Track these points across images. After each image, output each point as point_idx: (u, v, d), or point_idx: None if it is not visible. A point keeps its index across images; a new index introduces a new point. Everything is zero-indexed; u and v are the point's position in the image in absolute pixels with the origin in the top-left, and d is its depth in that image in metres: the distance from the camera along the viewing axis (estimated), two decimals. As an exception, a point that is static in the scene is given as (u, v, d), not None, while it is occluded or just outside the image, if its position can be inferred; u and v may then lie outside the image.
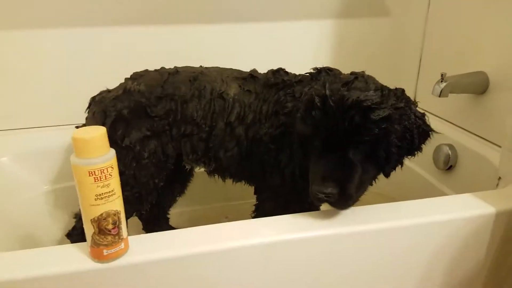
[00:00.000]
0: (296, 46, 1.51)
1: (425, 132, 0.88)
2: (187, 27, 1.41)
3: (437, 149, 1.38)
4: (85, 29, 1.34)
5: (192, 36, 1.42)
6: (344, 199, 0.81)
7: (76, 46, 1.35)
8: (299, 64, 1.07)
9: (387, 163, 0.85)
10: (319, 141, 0.81)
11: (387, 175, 0.90)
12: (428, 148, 1.39)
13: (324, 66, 0.99)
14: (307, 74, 1.01)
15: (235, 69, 1.09)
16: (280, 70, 1.04)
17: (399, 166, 0.91)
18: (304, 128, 0.82)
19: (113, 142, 0.95)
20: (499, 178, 1.09)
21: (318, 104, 0.79)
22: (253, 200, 1.26)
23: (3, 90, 1.35)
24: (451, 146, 1.35)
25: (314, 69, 0.98)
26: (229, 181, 1.14)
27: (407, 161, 1.53)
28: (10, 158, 1.30)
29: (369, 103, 0.77)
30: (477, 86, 1.27)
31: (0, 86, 1.34)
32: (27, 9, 1.27)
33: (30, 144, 1.34)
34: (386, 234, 0.86)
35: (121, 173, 0.97)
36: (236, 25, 1.45)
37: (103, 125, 0.95)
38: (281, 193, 1.02)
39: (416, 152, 0.90)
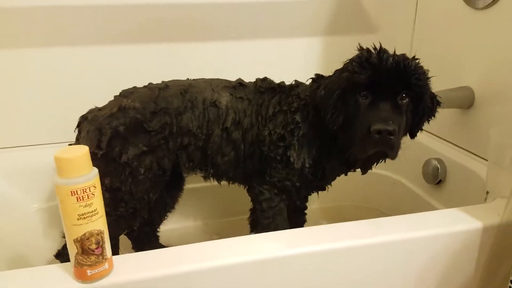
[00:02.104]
0: (285, 63, 1.53)
1: (437, 101, 0.99)
2: (175, 45, 1.43)
3: (426, 164, 1.39)
4: (75, 47, 1.35)
5: (180, 54, 1.44)
6: (397, 140, 0.90)
7: (65, 65, 1.36)
8: (288, 80, 1.10)
9: (418, 121, 0.96)
10: (372, 89, 0.90)
11: (413, 135, 1.00)
12: (417, 162, 1.41)
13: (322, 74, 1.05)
14: (302, 82, 1.08)
15: (223, 79, 1.12)
16: (266, 79, 1.11)
17: (421, 130, 1.01)
18: (359, 77, 0.89)
19: (110, 159, 0.97)
20: (487, 192, 1.09)
21: (375, 55, 0.89)
22: (244, 216, 1.27)
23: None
24: (439, 161, 1.36)
25: (315, 75, 1.04)
26: (221, 198, 1.15)
27: (397, 175, 1.56)
28: (0, 176, 1.29)
29: (416, 61, 0.91)
30: (463, 100, 1.29)
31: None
32: (15, 28, 1.29)
33: (19, 162, 1.34)
34: (376, 249, 0.86)
35: (118, 190, 0.98)
36: (226, 42, 1.47)
37: (99, 143, 0.96)
38: (282, 187, 1.04)
39: (431, 118, 0.99)
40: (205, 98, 1.04)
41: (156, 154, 1.01)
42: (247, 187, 1.15)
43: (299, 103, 1.02)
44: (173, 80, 1.10)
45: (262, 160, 1.05)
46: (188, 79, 1.12)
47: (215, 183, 1.15)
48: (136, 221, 1.06)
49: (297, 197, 1.09)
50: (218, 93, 1.06)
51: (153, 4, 1.35)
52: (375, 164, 1.02)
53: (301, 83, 1.08)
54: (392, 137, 0.86)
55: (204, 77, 1.14)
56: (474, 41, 1.29)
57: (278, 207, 1.06)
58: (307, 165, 1.01)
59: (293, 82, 1.08)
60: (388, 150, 0.90)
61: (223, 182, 1.16)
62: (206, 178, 1.13)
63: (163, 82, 1.09)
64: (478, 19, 1.27)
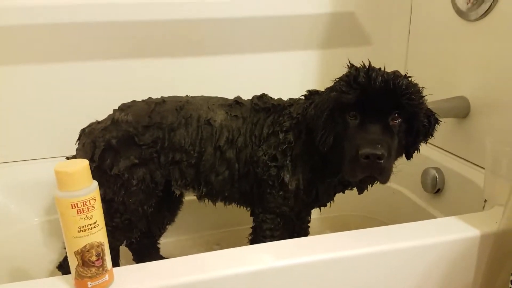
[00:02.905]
0: (283, 77, 1.55)
1: (436, 119, 0.95)
2: (175, 60, 1.45)
3: (425, 173, 1.40)
4: (76, 63, 1.38)
5: (181, 68, 1.46)
6: (388, 164, 0.85)
7: (66, 80, 1.39)
8: (286, 94, 1.11)
9: (414, 141, 0.92)
10: (361, 109, 0.86)
11: (409, 156, 0.96)
12: (416, 172, 1.42)
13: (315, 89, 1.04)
14: (297, 98, 1.06)
15: (220, 97, 1.12)
16: (263, 96, 1.09)
17: (417, 150, 0.97)
18: (347, 97, 0.86)
19: (102, 171, 0.98)
20: (485, 200, 1.10)
21: (363, 74, 0.86)
22: (245, 226, 1.27)
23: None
24: (438, 170, 1.37)
25: (307, 91, 1.03)
26: (220, 208, 1.15)
27: (396, 185, 1.57)
28: (0, 190, 1.31)
29: (407, 79, 0.87)
30: (459, 110, 1.30)
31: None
32: (16, 45, 1.32)
33: (21, 176, 1.36)
34: (374, 258, 0.87)
35: (111, 201, 1.00)
36: (225, 57, 1.49)
37: (92, 155, 0.98)
38: (281, 213, 1.04)
39: (429, 137, 0.96)
40: (200, 115, 1.04)
41: (149, 167, 1.02)
42: (249, 209, 1.13)
43: (290, 122, 1.00)
44: (172, 96, 1.11)
45: (257, 182, 1.03)
46: (187, 95, 1.13)
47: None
48: (132, 233, 1.08)
49: (297, 221, 1.08)
50: (213, 111, 1.05)
51: (152, 21, 1.38)
52: (370, 185, 1.00)
53: (296, 101, 1.06)
54: (381, 161, 0.82)
55: (202, 91, 1.15)
56: (468, 52, 1.31)
57: (281, 236, 1.05)
58: (302, 187, 1.00)
59: (287, 100, 1.07)
60: (378, 175, 0.86)
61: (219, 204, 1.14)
62: (199, 198, 1.12)
63: (161, 97, 1.10)
64: (471, 30, 1.29)
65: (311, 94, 1.02)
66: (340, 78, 0.91)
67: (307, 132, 0.96)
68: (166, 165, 1.03)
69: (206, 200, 1.13)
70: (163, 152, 1.02)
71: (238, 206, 1.15)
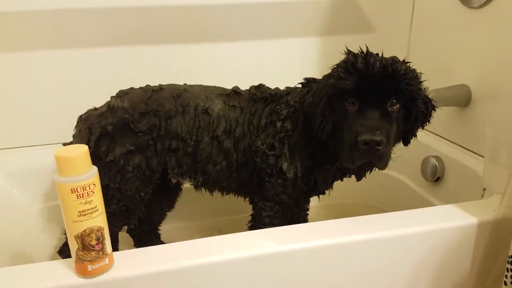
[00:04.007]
0: (282, 64, 1.54)
1: (432, 105, 0.95)
2: (174, 47, 1.45)
3: (425, 161, 1.40)
4: (76, 50, 1.38)
5: (179, 55, 1.46)
6: (387, 150, 0.86)
7: (67, 67, 1.39)
8: (285, 81, 1.11)
9: (411, 128, 0.93)
10: (359, 95, 0.86)
11: (406, 142, 0.96)
12: (416, 160, 1.42)
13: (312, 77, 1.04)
14: (294, 86, 1.06)
15: (218, 87, 1.12)
16: (261, 86, 1.09)
17: (415, 137, 0.97)
18: (345, 84, 0.86)
19: (97, 158, 0.98)
20: (484, 189, 1.10)
21: (361, 59, 0.85)
22: (246, 213, 1.28)
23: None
24: (438, 158, 1.37)
25: (304, 79, 1.03)
26: (222, 196, 1.15)
27: (396, 173, 1.57)
28: (2, 177, 1.32)
29: (406, 64, 0.87)
30: (460, 98, 1.30)
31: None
32: (17, 31, 1.31)
33: (22, 162, 1.36)
34: (371, 245, 0.88)
35: (107, 187, 1.00)
36: (224, 44, 1.48)
37: (88, 141, 0.99)
38: (280, 201, 1.04)
39: (426, 123, 0.96)
40: (197, 104, 1.04)
41: (145, 154, 1.02)
42: (248, 199, 1.14)
43: (288, 110, 1.00)
44: (169, 84, 1.11)
45: (257, 172, 1.04)
46: (185, 84, 1.13)
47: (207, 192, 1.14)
48: (130, 219, 1.08)
49: (296, 209, 1.09)
50: (211, 100, 1.05)
51: (151, 6, 1.37)
52: (368, 172, 1.00)
53: (294, 89, 1.06)
54: (379, 147, 0.82)
55: (201, 79, 1.15)
56: (471, 40, 1.30)
57: (280, 223, 1.06)
58: (300, 174, 1.00)
59: (284, 89, 1.07)
60: (377, 161, 0.87)
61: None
62: (196, 187, 1.12)
63: (159, 85, 1.10)
64: (474, 18, 1.28)
65: (308, 82, 1.01)
66: (338, 65, 0.90)
67: (305, 120, 0.96)
68: (163, 152, 1.03)
69: (203, 190, 1.13)
70: (159, 140, 1.02)
71: (236, 196, 1.15)
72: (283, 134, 0.99)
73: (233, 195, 1.15)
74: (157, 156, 1.03)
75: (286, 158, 0.99)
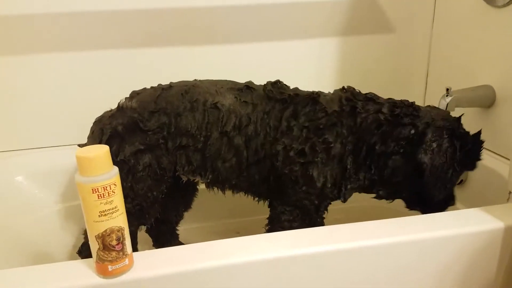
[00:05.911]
0: (297, 66, 1.53)
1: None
2: (189, 49, 1.45)
3: (447, 164, 1.37)
4: (95, 51, 1.40)
5: (194, 57, 1.46)
6: None
7: (86, 68, 1.41)
8: (301, 84, 1.09)
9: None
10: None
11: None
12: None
13: (345, 86, 1.05)
14: (319, 91, 1.05)
15: (230, 80, 1.10)
16: (278, 82, 1.07)
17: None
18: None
19: None
20: (510, 192, 1.07)
21: None
22: (263, 215, 1.27)
23: (18, 111, 1.40)
24: (460, 161, 1.33)
25: (346, 90, 1.04)
26: (241, 197, 1.14)
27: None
28: (24, 177, 1.34)
29: None
30: (484, 99, 1.27)
31: (16, 107, 1.40)
32: (35, 33, 1.34)
33: (43, 163, 1.38)
34: (393, 249, 0.86)
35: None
36: (239, 45, 1.48)
37: (100, 142, 0.99)
38: (301, 205, 1.03)
39: None
40: (206, 99, 1.02)
41: (155, 153, 1.01)
42: (256, 199, 1.13)
43: (327, 119, 0.98)
44: (180, 81, 1.10)
45: (275, 176, 1.02)
46: (195, 80, 1.12)
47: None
48: (145, 218, 1.07)
49: (315, 214, 1.07)
50: (221, 94, 1.03)
51: (162, 9, 1.38)
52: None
53: (323, 94, 1.04)
54: None
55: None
56: (494, 40, 1.27)
57: (299, 227, 1.03)
58: (329, 185, 0.99)
59: (309, 92, 1.04)
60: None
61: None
62: (207, 186, 1.11)
63: (170, 83, 1.09)
64: (498, 17, 1.24)
65: (354, 96, 1.02)
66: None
67: (358, 142, 0.98)
68: (174, 151, 1.03)
69: (216, 189, 1.12)
70: (170, 138, 1.02)
71: (246, 195, 1.13)
72: (325, 145, 0.97)
73: (244, 194, 1.13)
74: (168, 155, 1.03)
75: (317, 166, 0.97)
